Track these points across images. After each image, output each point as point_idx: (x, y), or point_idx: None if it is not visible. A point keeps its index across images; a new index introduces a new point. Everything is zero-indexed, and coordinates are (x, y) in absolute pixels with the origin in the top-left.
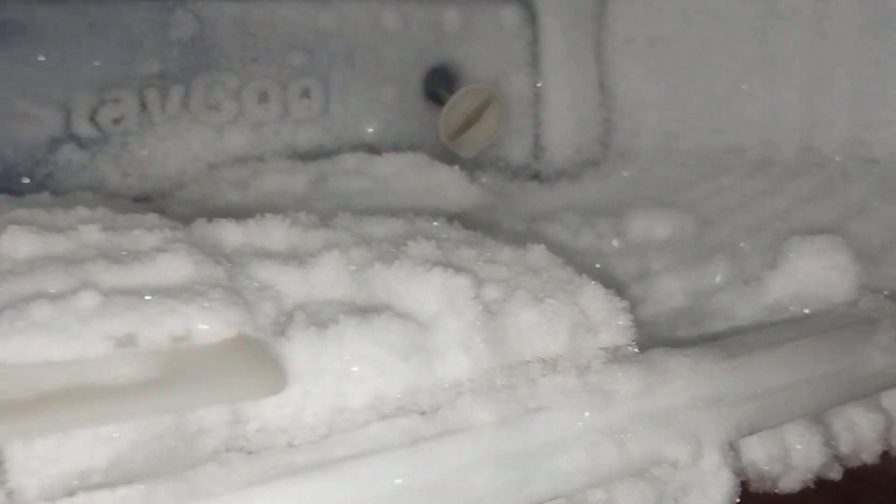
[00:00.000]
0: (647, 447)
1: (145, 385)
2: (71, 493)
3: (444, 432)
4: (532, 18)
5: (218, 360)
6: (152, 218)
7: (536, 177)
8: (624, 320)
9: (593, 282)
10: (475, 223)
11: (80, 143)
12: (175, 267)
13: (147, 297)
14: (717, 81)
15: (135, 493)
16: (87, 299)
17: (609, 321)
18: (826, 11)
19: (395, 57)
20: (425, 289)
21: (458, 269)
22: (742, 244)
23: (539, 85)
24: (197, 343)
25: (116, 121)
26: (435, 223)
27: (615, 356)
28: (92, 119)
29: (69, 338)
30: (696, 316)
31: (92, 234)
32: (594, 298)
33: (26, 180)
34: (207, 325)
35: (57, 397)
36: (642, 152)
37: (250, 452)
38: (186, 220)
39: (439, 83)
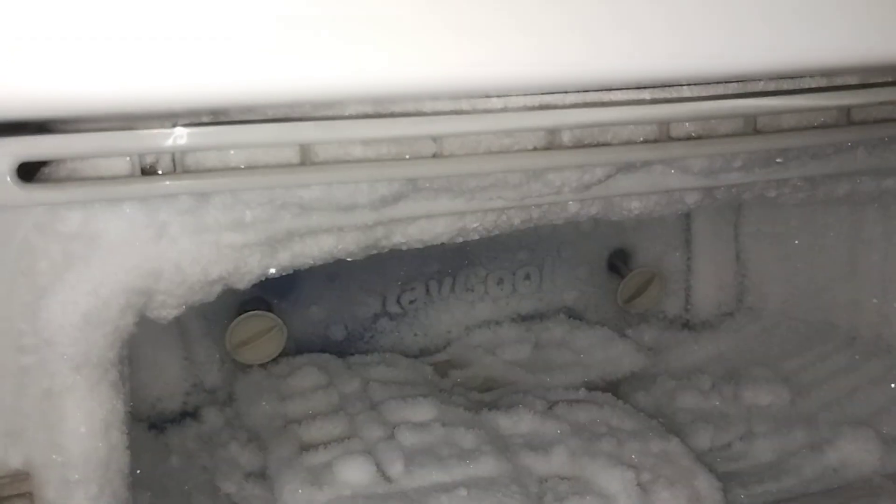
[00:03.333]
0: None
1: None
2: None
3: None
4: (687, 214)
5: None
6: (464, 414)
7: (686, 325)
8: (719, 496)
9: (704, 470)
10: (643, 379)
11: (391, 316)
12: (489, 465)
13: (485, 490)
14: (820, 274)
15: None
16: (463, 491)
17: (710, 496)
18: (891, 241)
19: (587, 246)
20: (612, 477)
21: (629, 465)
22: (819, 416)
23: (690, 259)
24: None
25: (411, 302)
26: (616, 412)
27: None
28: (398, 301)
29: None
30: (777, 471)
31: (438, 430)
32: (704, 481)
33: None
34: None
35: None
36: (766, 312)
37: None
38: (466, 385)
39: (619, 260)
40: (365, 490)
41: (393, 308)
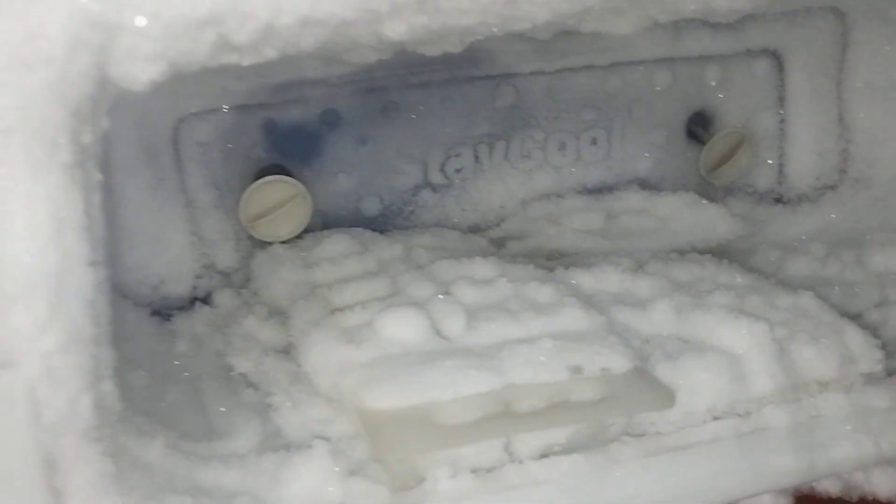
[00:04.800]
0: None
1: (595, 402)
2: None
3: (755, 430)
4: (780, 67)
5: (632, 384)
6: (535, 271)
7: (779, 200)
8: (877, 354)
9: (853, 324)
10: (739, 253)
11: (434, 188)
12: (577, 317)
13: (577, 342)
14: None
15: (578, 458)
16: (548, 343)
17: (866, 354)
18: None
19: (663, 107)
20: (737, 332)
21: (756, 317)
22: None
23: (784, 122)
24: (615, 372)
25: (458, 170)
26: (722, 270)
27: (870, 379)
28: (441, 170)
29: (544, 370)
30: None
31: (505, 286)
32: (854, 337)
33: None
34: (617, 360)
35: (541, 410)
36: (877, 180)
37: (637, 436)
38: (529, 256)
39: (699, 125)
40: (418, 348)
41: (436, 178)
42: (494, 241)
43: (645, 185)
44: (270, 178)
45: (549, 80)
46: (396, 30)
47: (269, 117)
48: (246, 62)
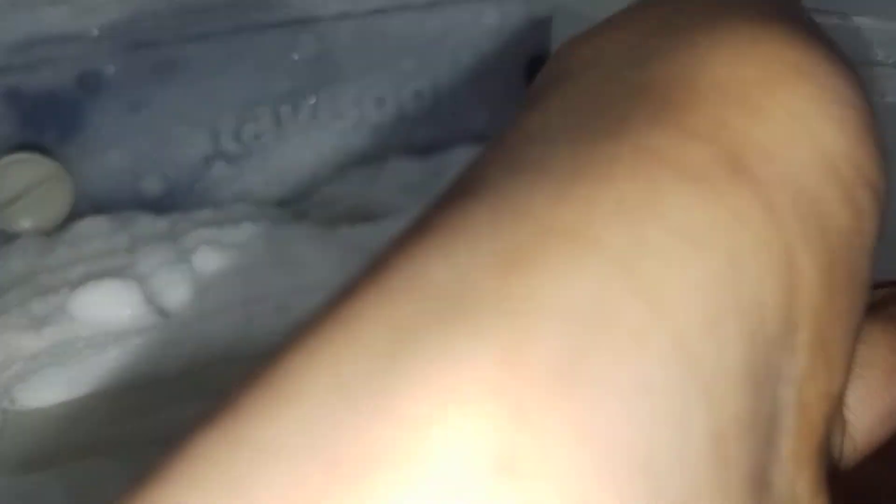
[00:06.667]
0: None
1: None
2: None
3: None
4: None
5: None
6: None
7: None
8: None
9: None
10: None
11: (228, 158)
12: None
13: None
14: None
15: None
16: None
17: None
18: None
19: (497, 51)
20: None
21: None
22: None
23: None
24: None
25: (257, 136)
26: None
27: None
28: (236, 137)
29: None
30: None
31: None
32: None
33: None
34: None
35: None
36: None
37: None
38: (332, 222)
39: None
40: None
41: (230, 146)
42: (298, 211)
43: (482, 139)
44: (13, 158)
45: (357, 25)
46: None
47: (11, 84)
48: None
